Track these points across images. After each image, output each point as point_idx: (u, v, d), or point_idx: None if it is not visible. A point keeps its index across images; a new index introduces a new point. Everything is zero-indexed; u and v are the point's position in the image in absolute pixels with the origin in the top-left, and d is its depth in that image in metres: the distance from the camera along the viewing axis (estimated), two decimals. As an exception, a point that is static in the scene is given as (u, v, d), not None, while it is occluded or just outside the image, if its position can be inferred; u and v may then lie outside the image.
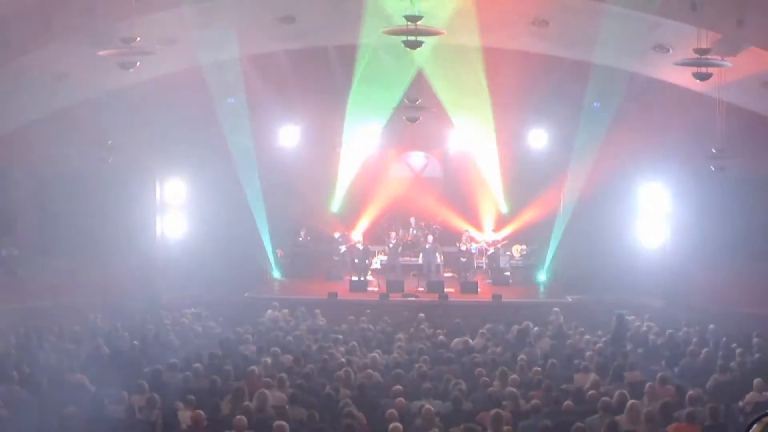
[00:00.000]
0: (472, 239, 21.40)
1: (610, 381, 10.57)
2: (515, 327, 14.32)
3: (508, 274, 21.05)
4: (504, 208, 21.87)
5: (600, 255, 19.56)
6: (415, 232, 21.43)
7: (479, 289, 19.57)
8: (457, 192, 22.00)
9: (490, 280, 20.85)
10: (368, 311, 16.34)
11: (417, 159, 22.60)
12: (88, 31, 13.40)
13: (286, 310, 16.34)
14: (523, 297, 19.40)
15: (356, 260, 20.47)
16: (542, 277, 21.14)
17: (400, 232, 21.71)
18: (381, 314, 16.19)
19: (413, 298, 18.82)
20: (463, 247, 20.72)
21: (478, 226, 22.07)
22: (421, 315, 15.82)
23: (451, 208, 22.00)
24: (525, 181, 21.32)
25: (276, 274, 21.06)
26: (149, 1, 12.67)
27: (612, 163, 18.91)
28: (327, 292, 18.79)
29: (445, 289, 19.27)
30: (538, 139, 21.14)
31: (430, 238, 20.54)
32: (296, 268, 21.46)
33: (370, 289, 19.78)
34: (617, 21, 14.01)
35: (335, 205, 21.93)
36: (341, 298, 18.60)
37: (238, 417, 8.35)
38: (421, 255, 20.73)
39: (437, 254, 20.38)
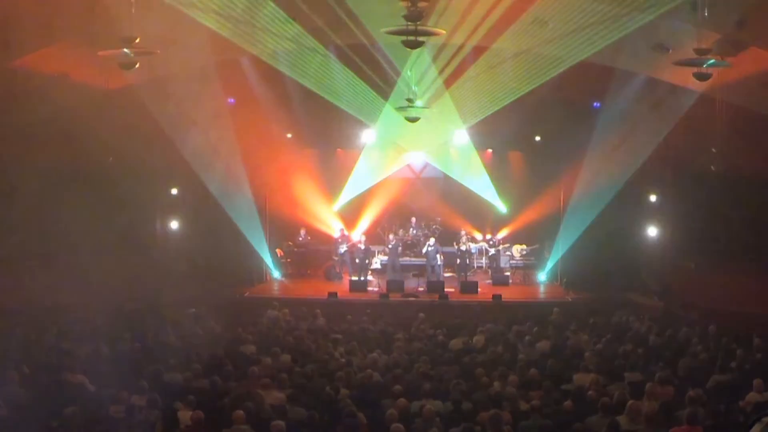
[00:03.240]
0: (472, 239, 21.43)
1: (610, 381, 10.56)
2: (515, 327, 14.32)
3: (508, 274, 21.09)
4: (504, 208, 21.94)
5: (600, 254, 19.58)
6: (415, 232, 21.48)
7: (479, 289, 19.57)
8: (457, 192, 22.04)
9: (490, 280, 20.86)
10: (368, 311, 16.34)
11: (417, 159, 22.64)
12: (88, 31, 13.40)
13: (286, 310, 16.32)
14: (523, 297, 19.43)
15: (357, 260, 20.50)
16: (542, 277, 21.17)
17: (400, 232, 21.73)
18: (381, 314, 16.19)
19: (413, 298, 18.83)
20: (463, 247, 20.74)
21: (478, 226, 22.12)
22: (421, 315, 15.83)
23: (451, 207, 22.05)
24: (525, 180, 21.43)
25: (276, 273, 21.12)
26: (149, 1, 12.65)
27: (612, 162, 18.94)
28: (327, 292, 18.81)
29: (445, 289, 19.31)
30: (538, 138, 21.20)
31: (432, 240, 20.55)
32: (296, 268, 21.57)
33: (370, 289, 19.81)
34: (617, 21, 14.03)
35: (336, 204, 22.03)
36: (341, 298, 18.60)
37: (236, 412, 8.38)
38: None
39: (438, 255, 20.40)
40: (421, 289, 19.71)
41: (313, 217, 21.87)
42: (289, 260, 21.60)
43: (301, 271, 21.51)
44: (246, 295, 19.01)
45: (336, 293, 18.81)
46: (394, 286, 19.29)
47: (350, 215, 22.10)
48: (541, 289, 20.76)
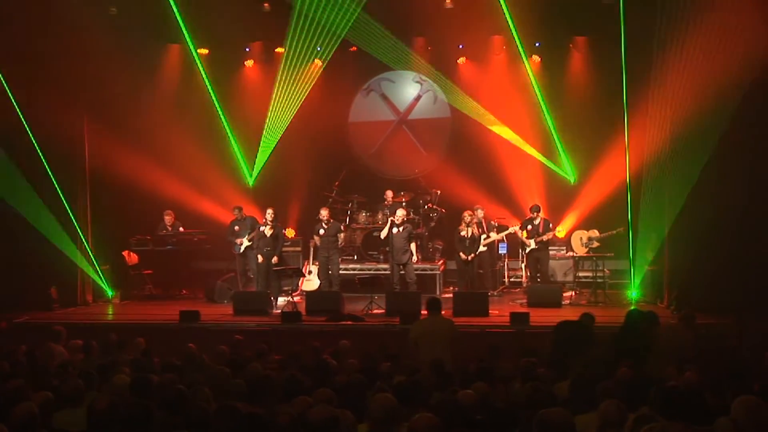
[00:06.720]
0: (498, 227, 11.64)
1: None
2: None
3: (559, 283, 11.04)
4: (570, 175, 12.07)
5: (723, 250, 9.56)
6: (392, 214, 11.38)
7: (490, 311, 9.73)
8: (478, 143, 12.31)
9: (522, 300, 10.80)
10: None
11: (400, 84, 13.21)
12: None
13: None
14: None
15: (260, 257, 10.84)
16: (631, 290, 10.98)
17: (364, 215, 12.21)
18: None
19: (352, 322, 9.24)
20: (463, 233, 10.96)
21: (511, 207, 12.30)
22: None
23: (464, 174, 12.34)
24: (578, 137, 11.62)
25: (110, 292, 11.61)
26: None
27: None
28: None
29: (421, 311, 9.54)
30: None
31: (399, 213, 10.71)
32: (160, 281, 11.88)
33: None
34: None
35: (251, 174, 12.64)
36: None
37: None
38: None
39: (409, 244, 10.69)
40: (379, 311, 10.00)
41: (205, 195, 12.22)
42: (146, 271, 11.81)
43: (161, 286, 11.80)
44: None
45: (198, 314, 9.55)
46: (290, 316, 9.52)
47: (273, 186, 12.58)
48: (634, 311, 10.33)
